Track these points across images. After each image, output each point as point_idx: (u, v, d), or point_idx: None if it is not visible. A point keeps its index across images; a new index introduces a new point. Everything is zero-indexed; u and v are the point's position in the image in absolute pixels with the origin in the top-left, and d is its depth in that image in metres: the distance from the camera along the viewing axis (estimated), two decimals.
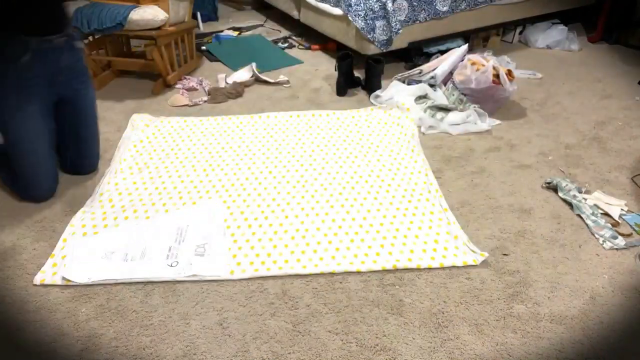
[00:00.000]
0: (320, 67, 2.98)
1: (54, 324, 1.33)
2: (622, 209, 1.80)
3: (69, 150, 1.86)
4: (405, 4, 2.64)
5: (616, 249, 1.63)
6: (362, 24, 2.61)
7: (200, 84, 2.69)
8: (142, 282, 1.46)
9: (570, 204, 1.82)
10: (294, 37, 3.43)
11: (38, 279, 1.45)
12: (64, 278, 1.45)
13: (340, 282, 1.48)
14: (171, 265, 1.50)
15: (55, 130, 1.77)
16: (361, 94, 2.66)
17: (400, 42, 2.79)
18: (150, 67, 2.60)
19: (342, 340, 1.30)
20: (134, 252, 1.55)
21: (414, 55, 2.95)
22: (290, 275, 1.50)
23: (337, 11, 2.75)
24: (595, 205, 1.80)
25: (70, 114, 1.80)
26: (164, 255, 1.54)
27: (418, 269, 1.53)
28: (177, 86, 2.67)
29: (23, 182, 1.72)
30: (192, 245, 1.58)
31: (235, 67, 2.88)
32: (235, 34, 3.47)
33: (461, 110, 2.35)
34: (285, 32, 3.53)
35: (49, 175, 1.76)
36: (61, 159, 1.89)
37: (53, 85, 1.69)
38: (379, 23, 2.62)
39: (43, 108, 1.68)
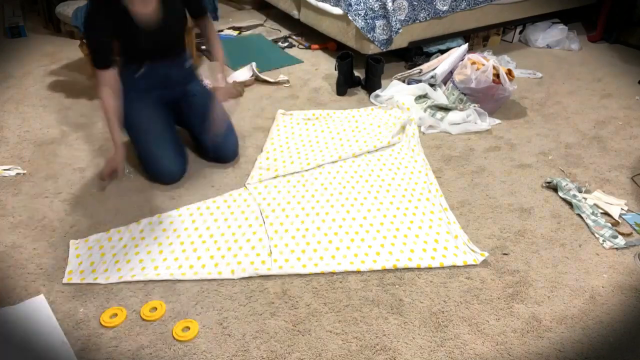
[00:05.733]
0: (320, 66, 2.97)
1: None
2: (622, 209, 1.80)
3: (204, 141, 1.99)
4: (405, 3, 2.64)
5: (616, 248, 1.63)
6: (362, 23, 2.61)
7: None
8: (142, 282, 1.46)
9: (570, 204, 1.82)
10: (294, 37, 3.43)
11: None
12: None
13: (340, 282, 1.48)
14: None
15: (180, 123, 2.04)
16: (361, 93, 2.66)
17: (400, 42, 2.79)
18: None
19: (342, 340, 1.30)
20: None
21: (414, 54, 2.95)
22: (290, 275, 1.50)
23: (337, 11, 2.75)
24: (595, 204, 1.80)
25: (187, 110, 2.01)
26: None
27: (418, 269, 1.53)
28: None
29: (147, 165, 1.90)
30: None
31: (235, 67, 2.87)
32: (235, 33, 3.46)
33: (461, 110, 2.35)
34: (285, 32, 3.53)
35: (169, 157, 1.88)
36: (202, 149, 2.04)
37: (165, 89, 1.96)
38: (379, 22, 2.62)
39: (157, 104, 1.94)
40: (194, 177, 1.94)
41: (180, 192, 1.85)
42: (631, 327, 1.36)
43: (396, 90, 2.52)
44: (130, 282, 1.46)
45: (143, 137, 1.87)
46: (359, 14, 2.60)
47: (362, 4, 2.59)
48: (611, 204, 1.81)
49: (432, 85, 2.52)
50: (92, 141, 2.15)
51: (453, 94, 2.43)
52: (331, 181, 1.91)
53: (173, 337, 1.30)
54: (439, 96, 2.48)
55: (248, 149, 2.13)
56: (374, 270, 1.52)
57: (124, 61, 1.87)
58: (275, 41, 3.34)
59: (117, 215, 1.73)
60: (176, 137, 1.95)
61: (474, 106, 2.35)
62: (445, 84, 2.56)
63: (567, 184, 1.88)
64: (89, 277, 1.47)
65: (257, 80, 2.76)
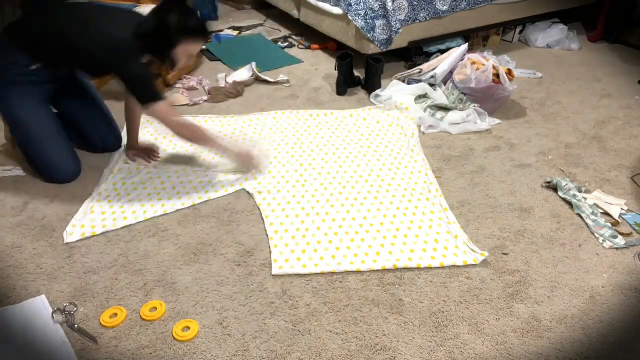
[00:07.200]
0: (320, 66, 2.97)
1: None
2: (622, 209, 1.80)
3: (90, 133, 2.00)
4: (405, 3, 2.64)
5: (616, 248, 1.63)
6: (362, 23, 2.61)
7: (200, 84, 2.69)
8: (142, 282, 1.46)
9: (570, 204, 1.82)
10: (294, 37, 3.43)
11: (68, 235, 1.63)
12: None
13: (340, 282, 1.48)
14: None
15: (64, 116, 1.94)
16: (361, 93, 2.66)
17: (400, 42, 2.79)
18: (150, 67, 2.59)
19: (342, 340, 1.30)
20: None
21: (414, 54, 2.95)
22: (290, 275, 1.50)
23: (337, 10, 2.75)
24: (595, 204, 1.80)
25: (69, 100, 1.95)
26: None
27: (418, 269, 1.53)
28: (177, 86, 2.66)
29: (43, 166, 1.86)
30: None
31: (235, 67, 2.88)
32: (235, 33, 3.47)
33: (461, 110, 2.35)
34: (285, 32, 3.53)
35: (67, 155, 1.88)
36: (88, 142, 2.02)
37: (52, 83, 1.83)
38: (379, 22, 2.62)
39: (43, 100, 1.83)
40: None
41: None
42: (631, 327, 1.36)
43: (396, 90, 2.52)
44: (130, 282, 1.46)
45: (39, 138, 1.79)
46: (359, 14, 2.60)
47: (362, 4, 2.59)
48: (611, 204, 1.81)
49: (432, 85, 2.52)
50: None
51: (453, 94, 2.43)
52: (331, 181, 1.91)
53: (173, 337, 1.30)
54: (439, 96, 2.48)
55: None
56: (374, 270, 1.52)
57: (17, 56, 1.68)
58: (275, 41, 3.34)
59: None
60: (66, 136, 1.90)
61: (474, 106, 2.35)
62: (445, 84, 2.56)
63: (567, 184, 1.88)
64: (90, 230, 1.64)
65: (257, 80, 2.76)
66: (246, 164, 1.92)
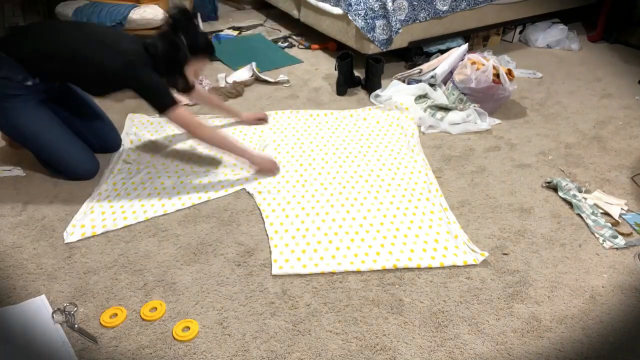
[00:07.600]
0: (320, 66, 2.97)
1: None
2: (622, 208, 1.80)
3: (87, 135, 1.97)
4: (405, 3, 2.64)
5: (616, 248, 1.63)
6: (362, 23, 2.61)
7: (200, 84, 2.69)
8: (142, 282, 1.46)
9: (570, 204, 1.82)
10: (294, 37, 3.43)
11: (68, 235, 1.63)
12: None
13: (340, 282, 1.48)
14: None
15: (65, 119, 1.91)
16: (361, 93, 2.66)
17: (400, 42, 2.79)
18: None
19: (342, 340, 1.30)
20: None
21: (414, 54, 2.95)
22: (290, 275, 1.50)
23: (337, 10, 2.75)
24: (595, 204, 1.80)
25: (68, 104, 1.94)
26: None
27: (418, 269, 1.53)
28: None
29: (62, 167, 1.87)
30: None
31: (235, 67, 2.88)
32: (235, 33, 3.47)
33: (461, 110, 2.35)
34: (285, 32, 3.53)
35: (82, 152, 1.90)
36: (86, 143, 1.97)
37: (46, 92, 1.83)
38: (379, 22, 2.62)
39: (45, 106, 1.82)
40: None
41: None
42: (631, 327, 1.36)
43: (396, 90, 2.52)
44: (130, 282, 1.46)
45: (53, 142, 1.80)
46: (359, 14, 2.60)
47: (362, 4, 2.59)
48: (611, 204, 1.81)
49: (432, 85, 2.52)
50: None
51: (453, 94, 2.43)
52: (331, 181, 1.91)
53: (173, 337, 1.30)
54: (439, 96, 2.48)
55: None
56: (374, 270, 1.52)
57: (16, 71, 1.68)
58: (275, 41, 3.34)
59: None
60: (72, 132, 1.90)
61: (474, 106, 2.35)
62: (445, 84, 2.56)
63: (567, 184, 1.88)
64: (90, 230, 1.64)
65: (257, 80, 2.76)
66: (266, 171, 1.93)
